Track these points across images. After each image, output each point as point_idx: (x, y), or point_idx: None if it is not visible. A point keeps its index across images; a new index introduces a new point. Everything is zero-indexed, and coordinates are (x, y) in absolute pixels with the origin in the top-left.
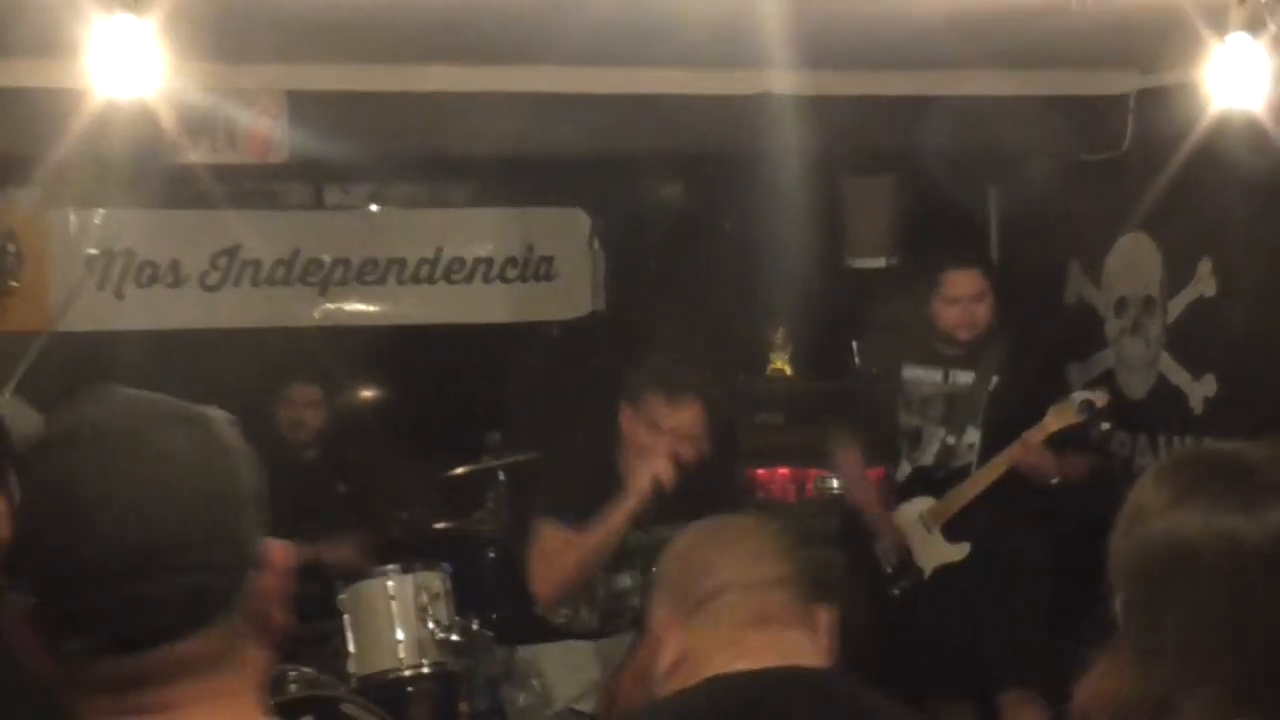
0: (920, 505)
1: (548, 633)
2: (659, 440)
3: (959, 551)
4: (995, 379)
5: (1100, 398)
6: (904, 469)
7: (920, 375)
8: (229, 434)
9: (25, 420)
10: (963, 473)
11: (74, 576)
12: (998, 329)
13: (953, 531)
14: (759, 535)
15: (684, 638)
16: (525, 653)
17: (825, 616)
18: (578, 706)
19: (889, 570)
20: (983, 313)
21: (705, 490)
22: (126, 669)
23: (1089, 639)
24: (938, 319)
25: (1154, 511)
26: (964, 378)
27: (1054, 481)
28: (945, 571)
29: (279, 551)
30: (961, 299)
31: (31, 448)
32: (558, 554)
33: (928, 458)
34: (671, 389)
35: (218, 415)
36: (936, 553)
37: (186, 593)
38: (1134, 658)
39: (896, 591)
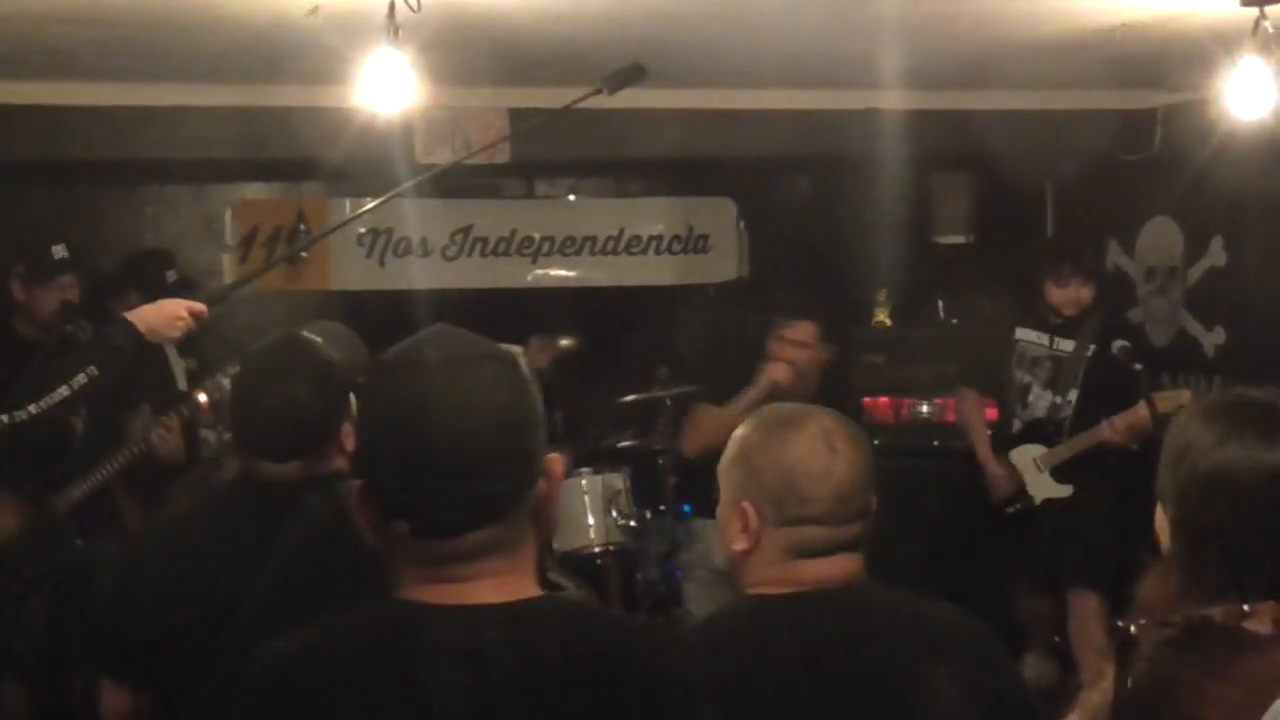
0: (1034, 450)
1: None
2: (782, 348)
3: (1065, 490)
4: (1092, 348)
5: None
6: (1014, 423)
7: (1030, 336)
8: (524, 368)
9: (349, 348)
10: (1064, 424)
11: (406, 477)
12: (1093, 306)
13: (1059, 474)
14: (851, 456)
15: (760, 531)
16: (697, 523)
17: (873, 500)
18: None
19: (1003, 496)
20: (1087, 294)
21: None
22: (437, 549)
23: (1144, 553)
24: (1049, 296)
25: (1202, 448)
26: (1066, 344)
27: (1134, 448)
28: (1050, 502)
29: (556, 464)
30: (1070, 286)
31: (381, 370)
32: (702, 422)
33: (1039, 412)
34: (791, 311)
35: (516, 351)
36: (1046, 488)
37: (488, 496)
38: (1180, 567)
39: (1010, 512)
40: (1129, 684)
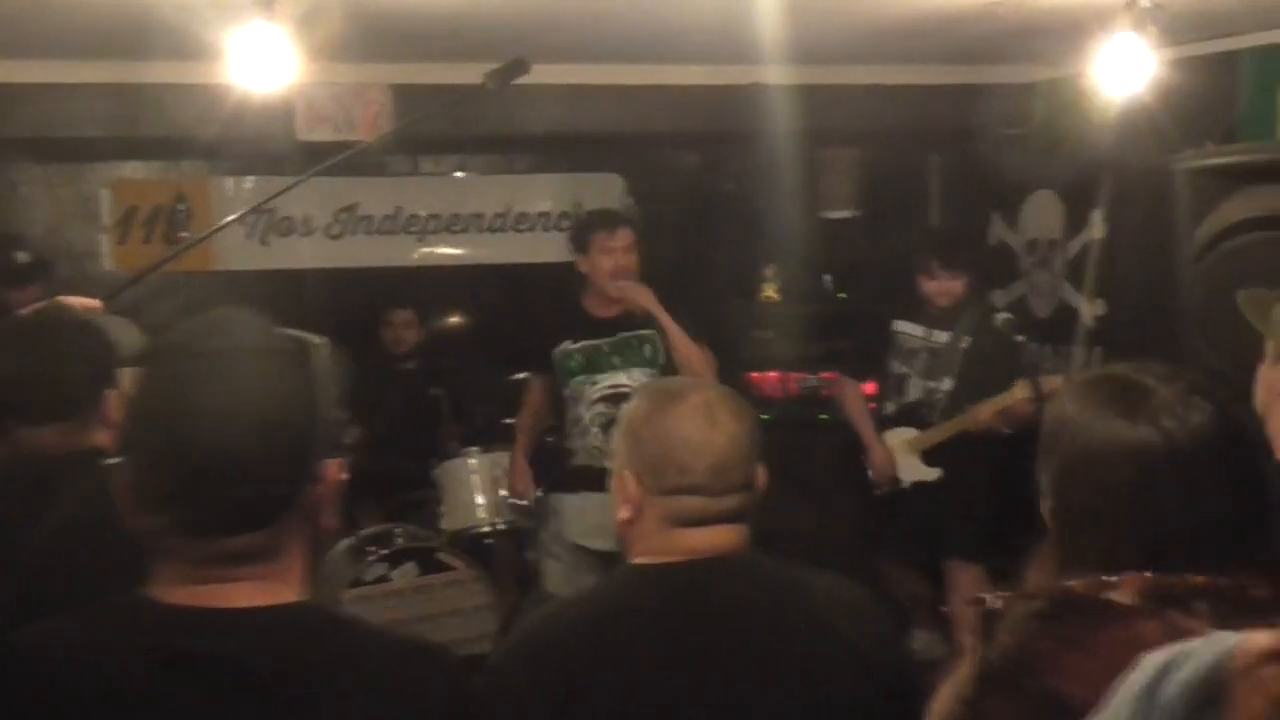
0: (905, 434)
1: (576, 484)
2: (604, 260)
3: (933, 473)
4: (968, 339)
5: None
6: (888, 407)
7: (907, 329)
8: (320, 363)
9: (127, 333)
10: (937, 410)
11: (164, 470)
12: (971, 297)
13: (929, 457)
14: (731, 429)
15: (641, 500)
16: (553, 499)
17: (761, 472)
18: (580, 541)
19: (887, 478)
20: (958, 286)
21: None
22: (194, 549)
23: (1018, 526)
24: (921, 288)
25: (1072, 428)
26: (942, 336)
27: (1005, 431)
28: (920, 485)
29: (334, 469)
30: (940, 280)
31: (153, 352)
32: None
33: (912, 398)
34: (608, 222)
35: (317, 343)
36: (916, 470)
37: (249, 501)
38: (1059, 547)
39: (879, 494)
40: (991, 657)
